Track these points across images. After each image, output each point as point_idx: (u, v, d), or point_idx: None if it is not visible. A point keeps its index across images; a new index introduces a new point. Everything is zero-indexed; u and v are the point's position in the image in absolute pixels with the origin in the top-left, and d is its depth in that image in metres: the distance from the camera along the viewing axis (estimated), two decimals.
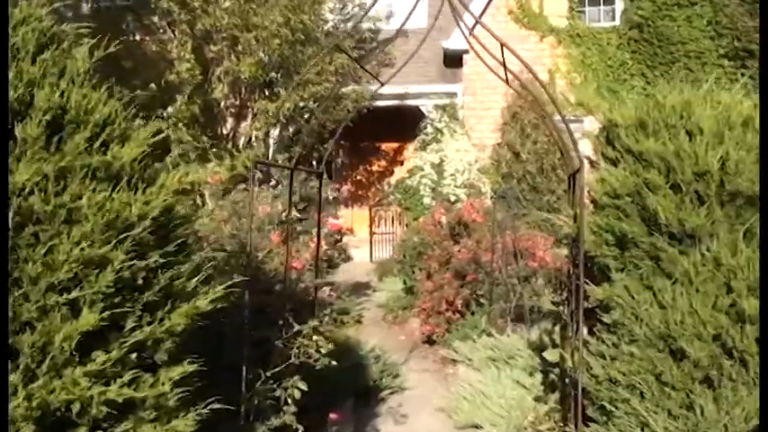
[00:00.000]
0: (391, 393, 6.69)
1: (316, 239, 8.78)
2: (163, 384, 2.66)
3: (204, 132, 14.11)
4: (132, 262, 2.45)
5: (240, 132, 15.03)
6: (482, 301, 8.22)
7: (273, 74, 14.00)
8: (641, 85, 15.13)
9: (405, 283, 10.15)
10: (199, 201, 13.61)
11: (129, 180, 2.55)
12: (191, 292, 2.74)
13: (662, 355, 3.02)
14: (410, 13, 3.93)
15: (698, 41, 14.87)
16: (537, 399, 5.22)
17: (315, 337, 3.74)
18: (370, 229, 15.82)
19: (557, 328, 4.25)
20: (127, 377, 2.41)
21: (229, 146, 14.33)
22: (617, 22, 15.58)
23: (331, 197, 13.11)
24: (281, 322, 3.72)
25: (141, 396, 2.58)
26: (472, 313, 8.16)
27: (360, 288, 12.00)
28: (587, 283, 3.28)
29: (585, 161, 3.40)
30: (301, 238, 8.72)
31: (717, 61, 14.69)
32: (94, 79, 2.67)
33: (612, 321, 3.15)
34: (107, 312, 2.43)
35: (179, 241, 2.68)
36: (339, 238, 11.09)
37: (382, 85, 4.16)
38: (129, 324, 2.55)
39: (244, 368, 3.28)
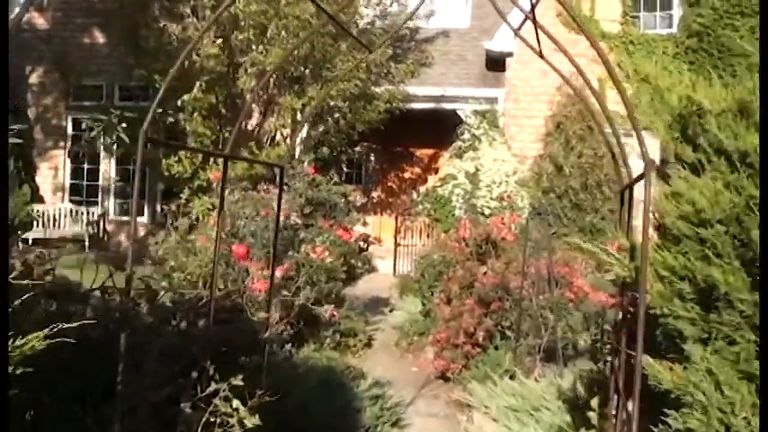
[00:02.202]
0: None
1: (316, 250, 7.75)
2: None
3: (226, 127, 13.29)
4: None
5: (265, 129, 14.16)
6: (508, 333, 7.02)
7: (302, 68, 13.06)
8: None
9: (423, 305, 8.96)
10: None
11: None
12: None
13: None
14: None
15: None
16: None
17: (235, 403, 2.56)
18: (395, 239, 14.72)
19: (594, 401, 3.04)
20: None
21: (251, 143, 13.34)
22: (674, 30, 14.34)
23: (359, 203, 12.21)
24: (195, 375, 2.58)
25: None
26: (496, 348, 6.96)
27: (377, 304, 10.92)
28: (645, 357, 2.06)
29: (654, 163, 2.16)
30: (303, 248, 7.64)
31: None
32: None
33: (686, 430, 1.89)
34: None
35: None
36: (365, 246, 10.20)
37: (370, 51, 3.06)
38: None
39: None
